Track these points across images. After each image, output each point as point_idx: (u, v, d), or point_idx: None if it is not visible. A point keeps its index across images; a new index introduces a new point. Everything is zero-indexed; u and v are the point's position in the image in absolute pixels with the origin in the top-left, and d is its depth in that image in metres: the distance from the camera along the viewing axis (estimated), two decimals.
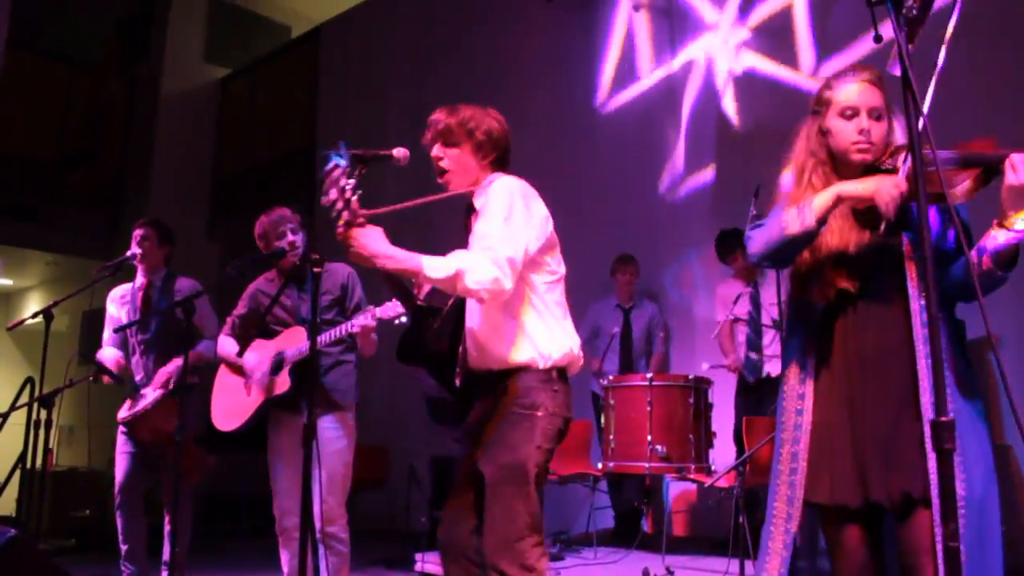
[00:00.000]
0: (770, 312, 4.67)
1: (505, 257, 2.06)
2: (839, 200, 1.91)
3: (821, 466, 1.94)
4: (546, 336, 2.20)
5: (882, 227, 1.87)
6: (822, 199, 1.92)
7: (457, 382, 2.28)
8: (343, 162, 1.99)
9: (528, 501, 2.10)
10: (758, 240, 2.04)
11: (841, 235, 1.96)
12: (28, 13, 7.69)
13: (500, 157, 2.34)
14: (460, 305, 2.31)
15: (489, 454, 2.15)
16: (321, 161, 2.05)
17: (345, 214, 1.99)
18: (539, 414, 2.15)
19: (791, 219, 1.94)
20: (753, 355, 4.77)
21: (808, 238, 1.95)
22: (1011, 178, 1.75)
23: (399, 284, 2.35)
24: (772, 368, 4.70)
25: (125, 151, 9.59)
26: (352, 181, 2.00)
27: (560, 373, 2.22)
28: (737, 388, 4.83)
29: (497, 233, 2.09)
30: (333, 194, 1.99)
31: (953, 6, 1.70)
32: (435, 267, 2.03)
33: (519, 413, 2.14)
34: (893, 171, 1.91)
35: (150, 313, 3.92)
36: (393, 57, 7.89)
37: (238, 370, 3.40)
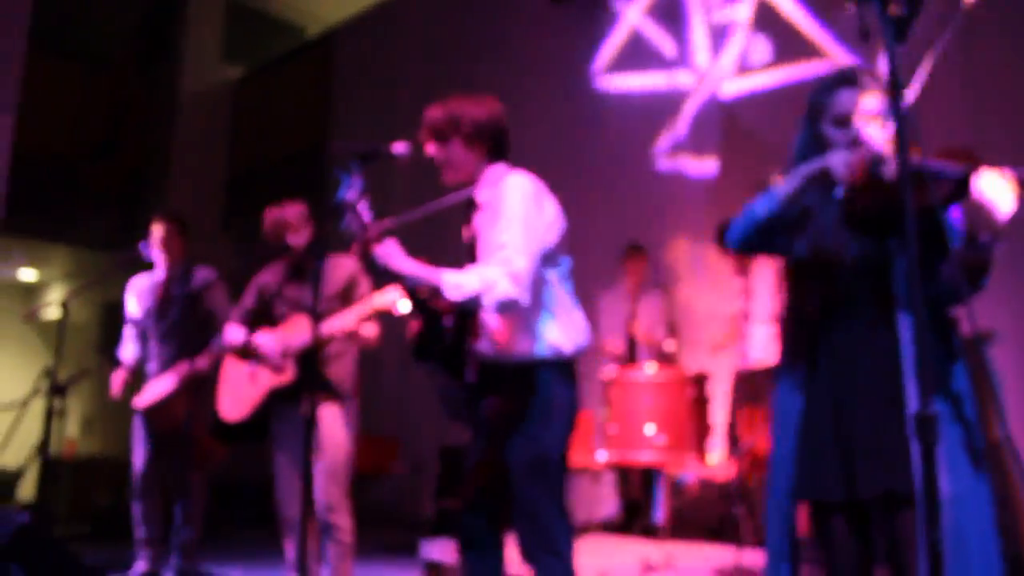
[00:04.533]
0: (762, 304, 4.72)
1: (522, 269, 2.10)
2: (802, 178, 1.95)
3: (808, 462, 1.97)
4: (561, 330, 2.24)
5: (841, 192, 1.87)
6: (787, 181, 1.97)
7: (472, 376, 2.29)
8: (357, 183, 2.09)
9: (554, 490, 2.17)
10: (735, 227, 2.08)
11: (835, 236, 1.98)
12: (49, 12, 7.84)
13: (495, 145, 2.32)
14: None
15: (513, 447, 2.19)
16: (335, 184, 2.13)
17: (369, 236, 2.08)
18: (557, 405, 2.21)
19: (758, 204, 2.00)
20: (745, 346, 4.83)
21: (773, 220, 1.98)
22: (978, 192, 1.78)
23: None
24: (763, 359, 4.79)
25: (144, 147, 9.72)
26: (365, 201, 2.09)
27: (572, 365, 2.28)
28: (734, 380, 4.88)
29: (514, 243, 2.12)
30: (350, 218, 2.09)
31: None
32: (454, 286, 2.10)
33: (539, 406, 2.19)
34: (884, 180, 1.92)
35: (169, 302, 4.04)
36: (406, 58, 7.97)
37: (245, 358, 3.43)
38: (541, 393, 2.19)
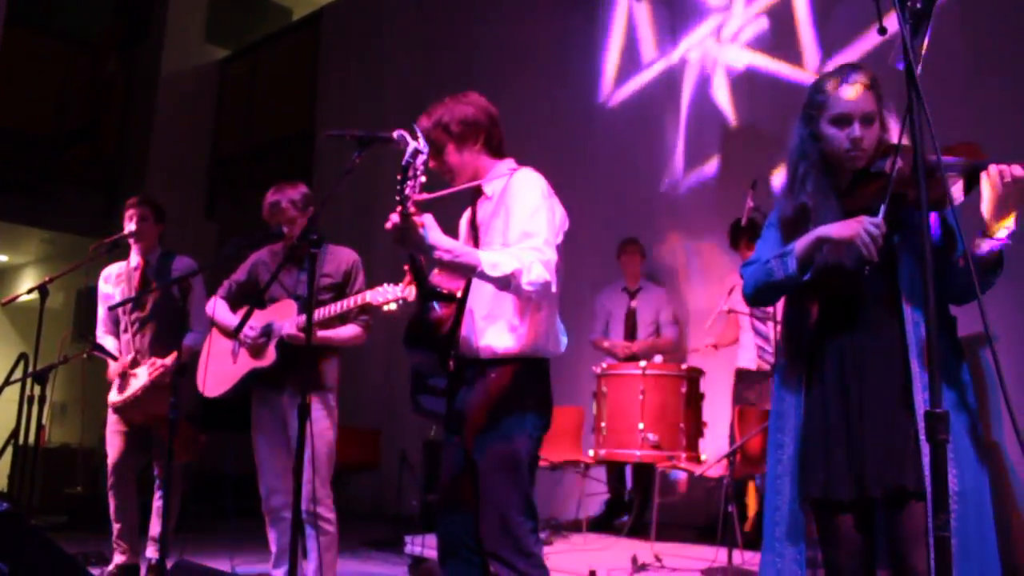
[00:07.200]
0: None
1: (552, 259, 2.10)
2: (819, 242, 1.93)
3: (816, 463, 1.97)
4: (548, 327, 2.23)
5: (866, 269, 1.87)
6: (803, 243, 1.96)
7: (450, 366, 2.26)
8: (424, 150, 1.98)
9: (523, 488, 2.13)
10: (749, 281, 2.11)
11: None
12: None
13: (488, 138, 2.28)
14: (468, 291, 2.29)
15: (483, 442, 2.16)
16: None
17: (410, 205, 1.95)
18: (531, 402, 2.18)
19: (776, 267, 2.01)
20: (761, 344, 4.76)
21: (794, 283, 1.99)
22: (987, 190, 1.80)
23: (418, 267, 2.28)
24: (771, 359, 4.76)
25: (124, 130, 9.54)
26: (421, 167, 1.98)
27: (547, 365, 2.26)
28: (736, 378, 4.82)
29: (543, 234, 2.12)
30: (411, 183, 1.96)
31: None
32: (492, 265, 2.01)
33: (513, 401, 2.15)
34: (882, 175, 1.92)
35: (146, 291, 3.91)
36: (394, 41, 7.85)
37: (229, 335, 3.40)
38: (517, 387, 2.17)
